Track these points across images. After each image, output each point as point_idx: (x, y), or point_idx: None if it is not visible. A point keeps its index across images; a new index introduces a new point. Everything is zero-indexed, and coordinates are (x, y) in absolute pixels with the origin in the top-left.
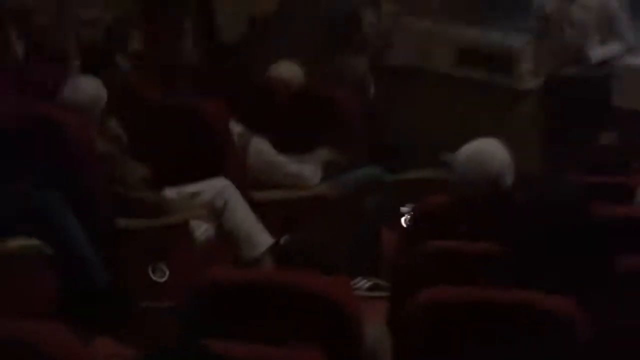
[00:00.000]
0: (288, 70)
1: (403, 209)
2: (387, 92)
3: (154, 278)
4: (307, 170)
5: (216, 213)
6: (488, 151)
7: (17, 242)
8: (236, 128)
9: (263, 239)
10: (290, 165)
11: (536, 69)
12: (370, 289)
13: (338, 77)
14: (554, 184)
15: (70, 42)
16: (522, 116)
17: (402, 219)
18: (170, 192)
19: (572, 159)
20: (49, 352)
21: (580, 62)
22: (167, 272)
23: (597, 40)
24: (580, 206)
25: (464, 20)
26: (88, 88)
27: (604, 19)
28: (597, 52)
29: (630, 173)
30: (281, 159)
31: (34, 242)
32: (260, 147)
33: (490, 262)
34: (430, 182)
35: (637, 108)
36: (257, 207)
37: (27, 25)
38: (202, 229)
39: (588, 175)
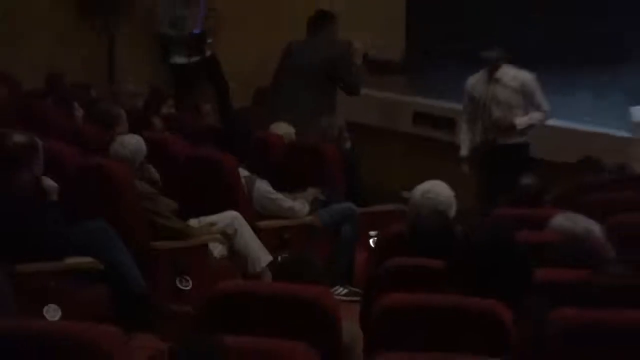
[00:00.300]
0: (283, 129)
1: (371, 234)
2: (359, 145)
3: (180, 287)
4: (298, 205)
5: (228, 238)
6: (436, 190)
7: (75, 260)
8: (243, 173)
9: (264, 257)
10: (285, 201)
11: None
12: (346, 295)
13: (322, 134)
14: (485, 216)
15: (119, 108)
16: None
17: (371, 241)
18: (193, 222)
19: (499, 197)
20: (104, 348)
21: (507, 131)
22: (191, 283)
23: (520, 112)
24: (505, 233)
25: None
26: (132, 144)
27: (525, 94)
28: (522, 121)
29: (543, 206)
30: (278, 196)
31: (88, 259)
32: (262, 187)
33: (438, 276)
34: (392, 214)
35: (548, 158)
36: (260, 232)
37: (86, 97)
38: (217, 250)
39: (512, 208)
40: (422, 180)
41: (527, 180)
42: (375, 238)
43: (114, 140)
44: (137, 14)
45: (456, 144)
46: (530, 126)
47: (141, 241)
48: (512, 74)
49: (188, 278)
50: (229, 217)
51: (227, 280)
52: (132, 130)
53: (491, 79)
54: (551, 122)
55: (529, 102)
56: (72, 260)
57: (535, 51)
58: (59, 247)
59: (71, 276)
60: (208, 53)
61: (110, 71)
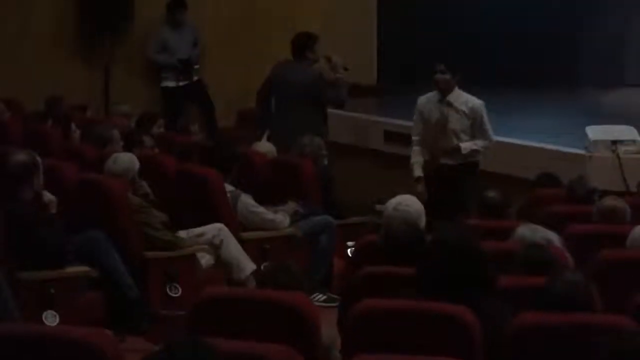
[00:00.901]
0: (265, 147)
1: (348, 244)
2: (336, 162)
3: (170, 294)
4: (280, 217)
5: (215, 248)
6: (407, 203)
7: (73, 268)
8: (228, 188)
9: (248, 266)
10: (267, 214)
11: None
12: (324, 301)
13: (301, 151)
14: (452, 227)
15: (113, 129)
16: None
17: (348, 251)
18: (182, 233)
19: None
20: (98, 351)
21: (454, 155)
22: (180, 290)
23: (466, 137)
24: (469, 241)
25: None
26: (125, 161)
27: (474, 120)
28: (467, 145)
29: (507, 218)
30: (261, 209)
31: (85, 268)
32: (246, 201)
33: (410, 282)
34: (366, 226)
35: (510, 174)
36: (244, 243)
37: (83, 117)
38: (205, 259)
39: (478, 219)
40: (393, 195)
41: (492, 194)
42: (352, 248)
43: (108, 158)
44: (133, 40)
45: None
46: (475, 151)
47: (134, 251)
48: (463, 99)
49: (177, 285)
50: (215, 229)
51: (213, 288)
52: (125, 148)
53: (443, 101)
54: (513, 140)
55: (476, 128)
56: (70, 269)
57: (501, 71)
58: (58, 257)
59: (69, 283)
60: (195, 78)
61: (106, 93)
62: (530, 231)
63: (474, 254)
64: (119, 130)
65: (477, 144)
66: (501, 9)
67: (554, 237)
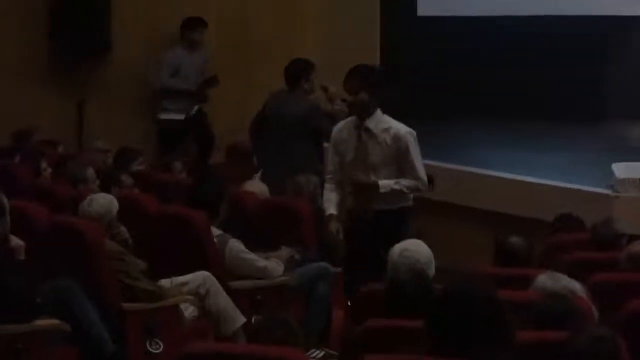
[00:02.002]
0: (256, 187)
1: None
2: None
3: (151, 350)
4: (272, 264)
5: (200, 298)
6: (414, 249)
7: (43, 322)
8: (215, 232)
9: (238, 319)
10: (259, 261)
11: None
12: (322, 358)
13: (297, 190)
14: (465, 276)
15: (87, 166)
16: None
17: (347, 302)
18: (164, 282)
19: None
20: None
21: (373, 197)
22: (161, 345)
23: (388, 173)
24: (485, 292)
25: None
26: (101, 202)
27: (398, 152)
28: (386, 184)
29: (529, 265)
30: (252, 255)
31: (56, 321)
32: (235, 246)
33: (418, 337)
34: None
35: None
36: (233, 293)
37: (54, 154)
38: (189, 311)
39: (497, 267)
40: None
41: (513, 238)
42: (353, 298)
43: (83, 199)
44: (111, 68)
45: (433, 201)
46: (400, 193)
47: (111, 302)
48: (385, 124)
49: (158, 340)
50: (201, 277)
51: (198, 343)
52: (102, 187)
53: (360, 127)
54: (528, 178)
55: (402, 163)
56: (40, 322)
57: (509, 105)
58: (26, 308)
59: (39, 337)
60: (195, 109)
61: (80, 127)
62: (551, 280)
63: (490, 305)
64: (94, 168)
65: (401, 184)
66: (516, 35)
67: (577, 286)
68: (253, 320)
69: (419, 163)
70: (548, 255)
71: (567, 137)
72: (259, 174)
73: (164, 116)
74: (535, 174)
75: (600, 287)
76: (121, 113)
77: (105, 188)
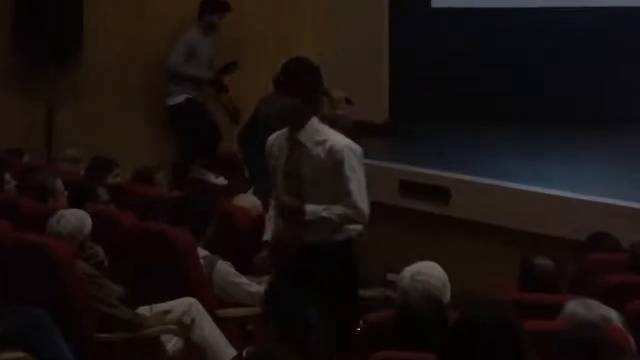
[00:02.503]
0: (249, 201)
1: None
2: None
3: None
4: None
5: (184, 328)
6: (427, 272)
7: (6, 355)
8: (202, 253)
9: (227, 352)
10: (251, 285)
11: None
12: None
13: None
14: (485, 304)
15: (57, 178)
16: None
17: None
18: (144, 309)
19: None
20: None
21: (300, 225)
22: None
23: (320, 195)
24: (506, 321)
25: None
26: (73, 219)
27: (333, 170)
28: (312, 209)
29: (558, 290)
30: (243, 279)
31: (21, 354)
32: (224, 269)
33: None
34: (376, 300)
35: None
36: (221, 322)
37: (19, 164)
38: (172, 343)
39: (522, 293)
40: (410, 261)
41: (540, 260)
42: (358, 328)
43: (52, 214)
44: (83, 71)
45: (450, 217)
46: (334, 222)
47: (83, 332)
48: (321, 137)
49: None
50: (185, 304)
51: None
52: (73, 202)
53: (292, 139)
54: (556, 192)
55: (337, 185)
56: (3, 355)
57: (532, 107)
58: None
59: None
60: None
61: (48, 135)
62: (583, 307)
63: (512, 337)
64: (64, 179)
65: (331, 211)
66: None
67: (612, 314)
68: (244, 352)
69: (357, 187)
70: (580, 279)
71: (601, 146)
72: (252, 188)
73: (172, 102)
74: (564, 187)
75: (639, 315)
76: (95, 119)
77: (77, 203)
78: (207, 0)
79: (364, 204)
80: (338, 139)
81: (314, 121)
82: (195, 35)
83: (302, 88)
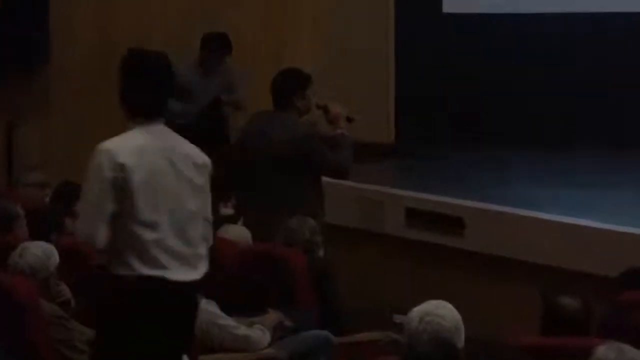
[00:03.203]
0: (236, 232)
1: None
2: (336, 253)
3: None
4: (256, 332)
5: None
6: (439, 313)
7: None
8: None
9: None
10: (238, 328)
11: None
12: None
13: (289, 237)
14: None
15: (18, 206)
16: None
17: None
18: None
19: None
20: None
21: None
22: None
23: None
24: None
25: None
26: (38, 253)
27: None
28: None
29: (587, 333)
30: (229, 321)
31: None
32: (208, 310)
33: None
34: (380, 344)
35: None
36: None
37: None
38: None
39: (548, 336)
40: (419, 300)
41: (566, 300)
42: None
43: (13, 248)
44: (48, 84)
45: (463, 251)
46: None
47: None
48: (189, 151)
49: None
50: None
51: None
52: (37, 233)
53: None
54: (586, 222)
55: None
56: None
57: (556, 127)
58: None
59: None
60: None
61: (8, 156)
62: (615, 352)
63: None
64: (27, 207)
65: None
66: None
67: None
68: None
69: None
70: (611, 321)
71: (633, 169)
72: (241, 219)
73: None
74: (593, 216)
75: None
76: (63, 137)
77: (41, 234)
78: (204, 36)
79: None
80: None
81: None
82: (188, 73)
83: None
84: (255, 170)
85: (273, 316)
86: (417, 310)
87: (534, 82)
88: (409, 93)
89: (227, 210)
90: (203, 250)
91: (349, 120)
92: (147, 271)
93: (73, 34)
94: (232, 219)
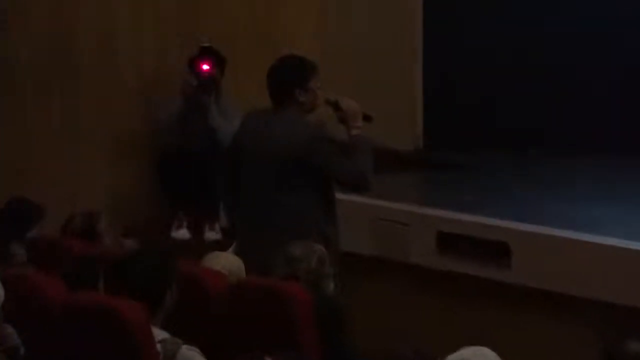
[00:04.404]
0: (225, 261)
1: None
2: (350, 287)
3: None
4: None
5: None
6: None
7: None
8: (159, 334)
9: None
10: None
11: None
12: None
13: (290, 267)
14: None
15: None
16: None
17: None
18: None
19: None
20: None
21: None
22: None
23: None
24: None
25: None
26: None
27: None
28: None
29: None
30: None
31: None
32: (190, 357)
33: None
34: None
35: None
36: None
37: None
38: None
39: None
40: (453, 346)
41: (632, 346)
42: None
43: None
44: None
45: (505, 284)
46: None
47: None
48: None
49: None
50: None
51: None
52: None
53: None
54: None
55: None
56: None
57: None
58: None
59: None
60: None
61: None
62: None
63: None
64: None
65: None
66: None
67: None
68: None
69: None
70: None
71: None
72: (233, 245)
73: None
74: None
75: None
76: (11, 146)
77: None
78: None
79: None
80: None
81: None
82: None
83: None
84: (249, 184)
85: None
86: (452, 358)
87: (581, 82)
88: (437, 93)
89: (214, 235)
90: None
91: (367, 119)
92: None
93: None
94: (220, 245)
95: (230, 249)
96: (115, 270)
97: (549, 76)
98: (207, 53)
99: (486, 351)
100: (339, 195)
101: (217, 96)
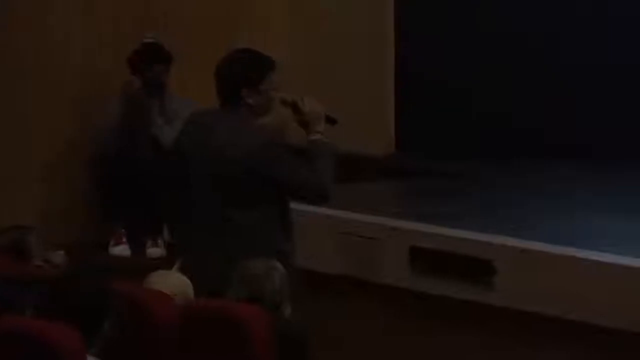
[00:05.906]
0: (172, 282)
1: None
2: (312, 310)
3: None
4: None
5: None
6: None
7: None
8: None
9: None
10: None
11: None
12: None
13: (246, 288)
14: None
15: None
16: None
17: None
18: None
19: None
20: None
21: None
22: None
23: None
24: None
25: None
26: None
27: None
28: None
29: None
30: None
31: None
32: None
33: None
34: None
35: None
36: None
37: None
38: None
39: None
40: None
41: None
42: None
43: None
44: None
45: (491, 307)
46: None
47: None
48: None
49: None
50: None
51: None
52: None
53: None
54: None
55: None
56: None
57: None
58: None
59: None
60: None
61: None
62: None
63: None
64: None
65: None
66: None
67: None
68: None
69: None
70: None
71: None
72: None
73: None
74: None
75: None
76: None
77: None
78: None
79: None
80: None
81: None
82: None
83: None
84: (194, 197)
85: None
86: None
87: (569, 76)
88: (411, 94)
89: (157, 251)
90: None
91: (330, 121)
92: None
93: None
94: (163, 263)
95: (175, 267)
96: (46, 292)
97: (534, 74)
98: (150, 50)
99: None
100: (300, 207)
101: (162, 98)
